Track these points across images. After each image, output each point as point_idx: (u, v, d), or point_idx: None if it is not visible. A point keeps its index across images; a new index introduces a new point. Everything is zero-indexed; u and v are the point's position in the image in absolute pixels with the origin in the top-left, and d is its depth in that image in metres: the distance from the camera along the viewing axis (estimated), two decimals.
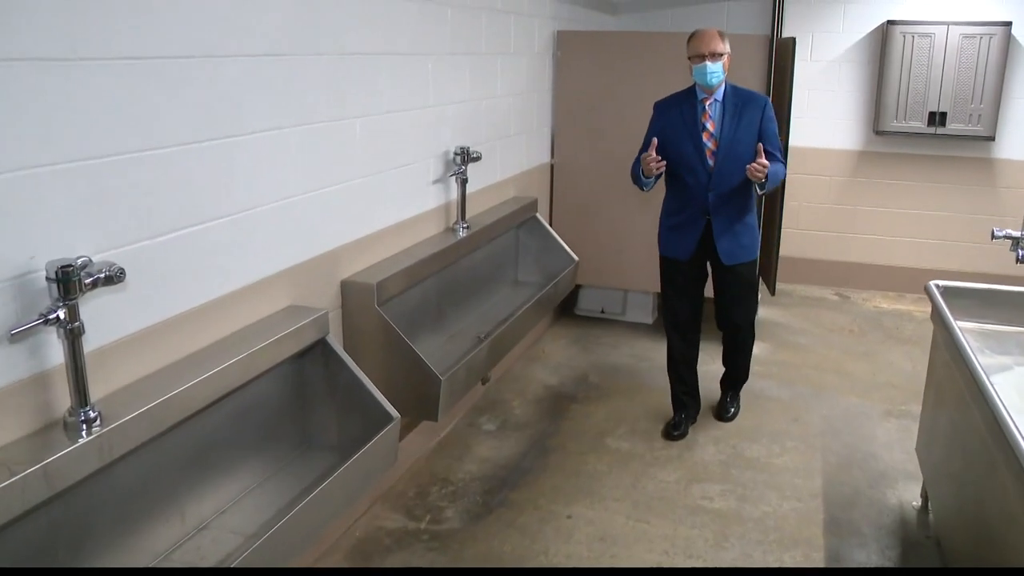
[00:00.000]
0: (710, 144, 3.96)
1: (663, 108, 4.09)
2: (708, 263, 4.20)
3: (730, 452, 4.19)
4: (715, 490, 3.86)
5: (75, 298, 1.93)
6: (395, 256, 3.54)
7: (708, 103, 3.95)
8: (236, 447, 2.75)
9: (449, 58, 3.91)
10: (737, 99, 3.95)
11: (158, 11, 2.21)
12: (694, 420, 4.45)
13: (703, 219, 4.03)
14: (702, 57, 3.84)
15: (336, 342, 2.95)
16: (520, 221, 4.73)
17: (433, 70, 3.76)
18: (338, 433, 3.01)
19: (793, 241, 6.95)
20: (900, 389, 5.01)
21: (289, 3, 2.75)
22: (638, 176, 4.00)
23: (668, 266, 4.21)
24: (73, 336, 1.95)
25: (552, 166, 5.65)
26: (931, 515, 3.64)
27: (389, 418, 2.89)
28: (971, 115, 6.30)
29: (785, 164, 4.08)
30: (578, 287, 6.01)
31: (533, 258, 4.90)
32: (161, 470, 2.43)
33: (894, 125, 6.50)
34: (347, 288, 3.22)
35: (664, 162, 3.86)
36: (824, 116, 6.83)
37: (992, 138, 6.35)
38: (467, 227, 4.01)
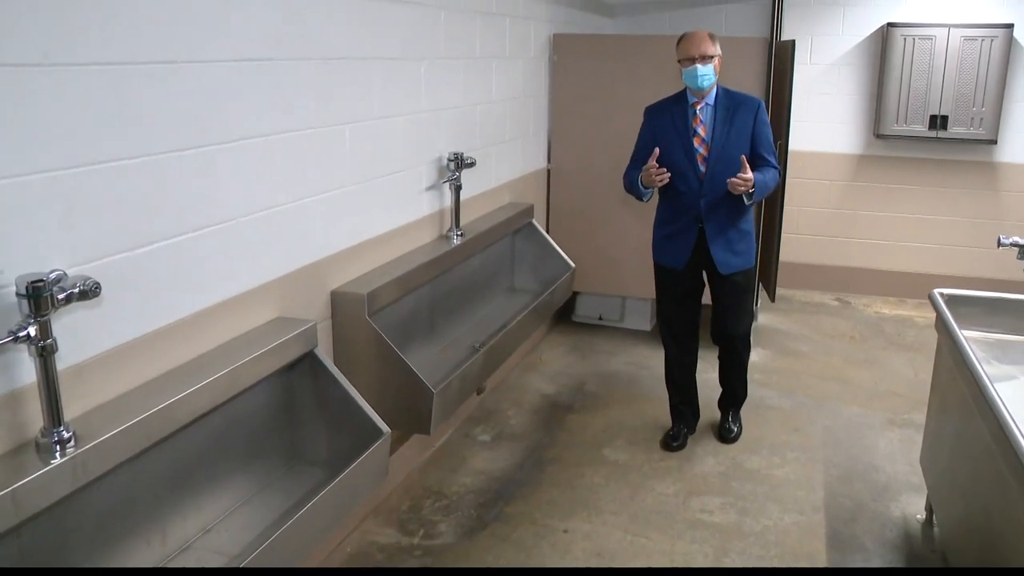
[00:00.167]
0: (701, 149, 3.85)
1: (654, 113, 4.00)
2: (704, 271, 4.07)
3: (730, 464, 4.11)
4: (715, 503, 3.78)
5: (47, 314, 1.85)
6: (387, 265, 3.46)
7: (699, 107, 3.84)
8: (221, 464, 2.68)
9: (442, 62, 3.83)
10: (729, 102, 3.85)
11: (136, 15, 2.13)
12: (693, 431, 4.36)
13: (696, 227, 3.92)
14: (692, 60, 3.73)
15: (325, 355, 2.87)
16: (516, 227, 4.65)
17: (426, 74, 3.68)
18: (327, 448, 2.93)
19: (793, 246, 6.87)
20: (902, 398, 4.93)
21: (275, 7, 2.67)
22: (634, 185, 3.90)
23: (663, 275, 4.11)
24: (45, 354, 1.87)
25: (548, 171, 5.57)
26: (936, 529, 3.56)
27: (379, 433, 2.81)
28: (973, 118, 6.23)
29: (780, 168, 3.97)
30: (575, 294, 5.93)
31: (529, 265, 4.82)
32: (141, 489, 2.35)
33: (895, 129, 6.43)
34: (337, 298, 3.14)
35: (668, 173, 3.74)
36: (824, 120, 6.75)
37: (994, 141, 6.28)
38: (461, 234, 3.93)
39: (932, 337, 5.78)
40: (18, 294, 1.82)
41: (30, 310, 1.82)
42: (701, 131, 3.84)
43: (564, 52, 5.39)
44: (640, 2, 6.82)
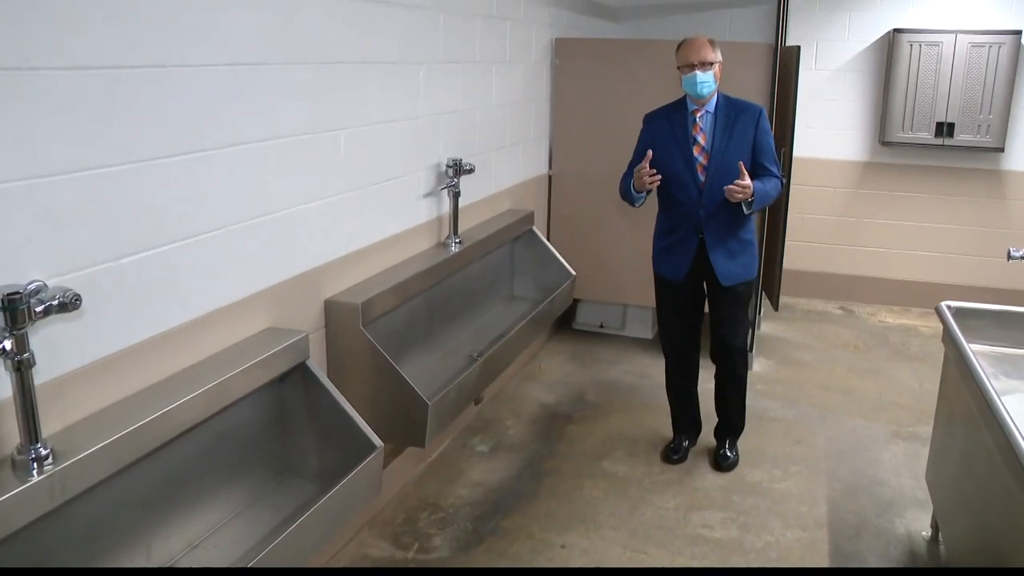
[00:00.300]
0: (701, 158, 3.75)
1: (653, 120, 3.90)
2: (704, 282, 3.95)
3: (731, 477, 4.04)
4: (716, 518, 3.70)
5: (24, 327, 1.78)
6: (383, 273, 3.40)
7: (699, 115, 3.75)
8: (209, 478, 2.61)
9: (441, 66, 3.76)
10: (730, 110, 3.74)
11: (122, 18, 2.06)
12: (694, 443, 4.29)
13: (696, 237, 3.81)
14: (691, 66, 3.63)
15: (317, 366, 2.80)
16: (516, 235, 4.58)
17: (424, 79, 3.61)
18: (319, 461, 2.86)
19: (796, 254, 6.79)
20: (907, 409, 4.86)
21: (267, 9, 2.60)
22: (628, 190, 3.82)
23: (663, 286, 4.01)
24: (21, 368, 1.80)
25: (550, 177, 5.50)
26: (942, 546, 3.49)
27: (372, 447, 2.74)
28: (980, 126, 6.16)
29: (781, 178, 3.86)
30: (576, 301, 5.86)
31: (529, 273, 4.75)
32: (125, 505, 2.28)
33: (900, 136, 6.36)
34: (331, 308, 3.08)
35: (659, 175, 3.66)
36: (829, 126, 6.68)
37: (1001, 149, 6.21)
38: (459, 242, 3.86)
39: (937, 347, 5.72)
40: None
41: (6, 323, 1.76)
42: (701, 139, 3.75)
43: (566, 56, 5.32)
44: (644, 6, 6.75)
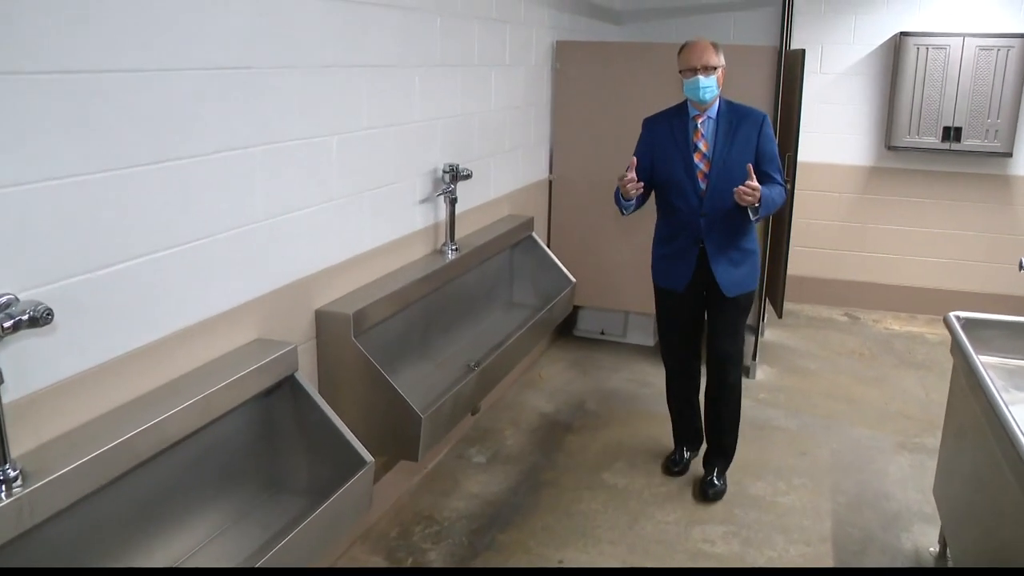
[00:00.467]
0: (702, 165, 3.62)
1: (653, 125, 3.78)
2: (705, 292, 3.80)
3: (733, 489, 3.95)
4: (717, 532, 3.62)
5: None
6: (376, 282, 3.31)
7: (700, 120, 3.62)
8: (194, 494, 2.53)
9: (438, 70, 3.68)
10: (732, 116, 3.62)
11: (100, 21, 1.98)
12: (696, 454, 4.19)
13: (696, 247, 3.68)
14: (693, 71, 3.51)
15: (306, 379, 2.72)
16: (515, 241, 4.49)
17: (420, 83, 3.53)
18: (308, 476, 2.78)
19: (801, 259, 6.71)
20: (913, 420, 4.77)
21: (255, 11, 2.53)
22: (618, 198, 3.70)
23: (663, 296, 3.90)
24: None
25: (550, 182, 5.42)
26: (950, 562, 3.40)
27: (362, 462, 2.66)
28: (987, 130, 6.06)
29: (786, 186, 3.74)
30: (577, 308, 5.78)
31: (529, 280, 4.67)
32: (105, 525, 2.20)
33: (907, 140, 6.27)
34: (322, 318, 2.99)
35: (642, 184, 3.56)
36: (834, 130, 6.59)
37: (1009, 154, 6.12)
38: (456, 249, 3.78)
39: (944, 355, 5.65)
40: None
41: None
42: (702, 146, 3.63)
43: (567, 60, 5.24)
44: (647, 9, 6.67)
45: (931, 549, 3.52)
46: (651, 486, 3.97)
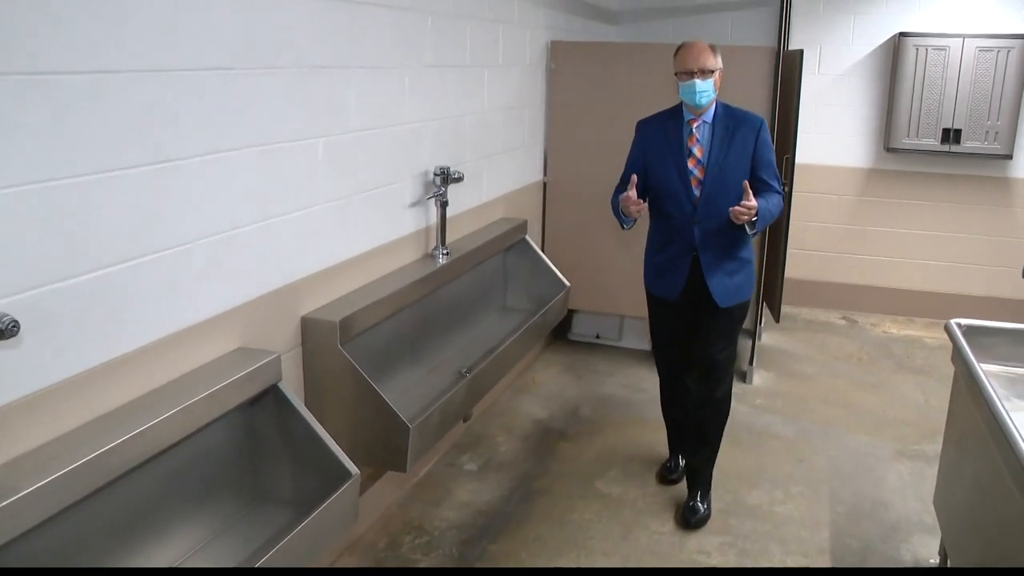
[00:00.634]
0: (696, 172, 3.48)
1: (646, 129, 3.65)
2: (698, 301, 3.62)
3: (729, 499, 3.88)
4: (712, 543, 3.55)
5: None
6: (365, 287, 3.24)
7: (696, 125, 3.47)
8: (175, 507, 2.46)
9: (429, 71, 3.61)
10: (729, 120, 3.47)
11: (72, 20, 1.91)
12: None
13: (690, 256, 3.54)
14: (690, 74, 3.36)
15: (290, 388, 2.65)
16: (508, 244, 4.42)
17: (410, 84, 3.45)
18: (293, 487, 2.72)
19: (798, 262, 6.64)
20: (912, 426, 4.70)
21: (240, 11, 2.45)
22: (618, 212, 3.58)
23: (656, 305, 3.78)
24: None
25: (544, 184, 5.34)
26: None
27: (348, 474, 2.59)
28: (987, 132, 6.00)
29: (783, 193, 3.60)
30: (572, 312, 5.70)
31: (522, 284, 4.59)
32: (79, 540, 2.13)
33: (906, 142, 6.20)
34: (307, 325, 2.92)
35: (644, 205, 3.45)
36: (832, 132, 6.52)
37: (1009, 156, 6.06)
38: (447, 253, 3.70)
39: (943, 359, 5.58)
40: None
41: None
42: (697, 151, 3.48)
43: (562, 60, 5.16)
44: (643, 9, 6.60)
45: (931, 560, 3.45)
46: (646, 495, 3.90)
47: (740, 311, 3.65)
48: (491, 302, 4.46)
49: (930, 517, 3.61)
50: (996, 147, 6.01)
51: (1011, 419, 2.48)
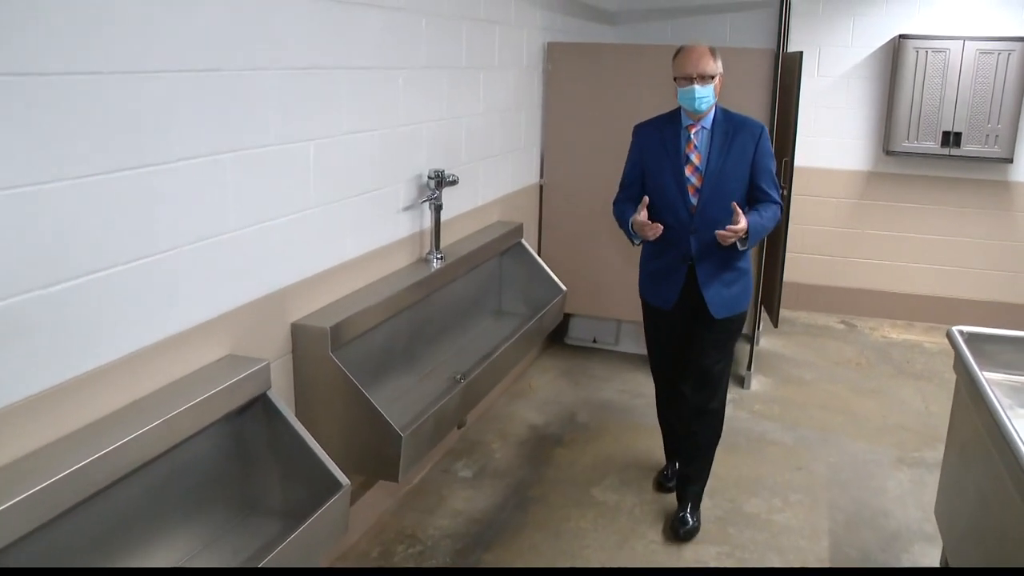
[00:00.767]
0: (694, 179, 3.37)
1: (644, 133, 3.55)
2: (693, 311, 3.53)
3: (727, 507, 3.82)
4: (710, 552, 3.49)
5: None
6: (356, 293, 3.18)
7: (694, 130, 3.37)
8: (163, 518, 2.41)
9: (423, 72, 3.55)
10: (728, 126, 3.37)
11: (51, 20, 1.85)
12: None
13: (685, 265, 3.44)
14: (689, 79, 3.26)
15: (280, 397, 2.60)
16: (504, 248, 4.36)
17: (404, 86, 3.40)
18: (282, 498, 2.66)
19: (797, 266, 6.59)
20: (912, 432, 4.65)
21: (228, 10, 2.39)
22: (625, 225, 3.47)
23: (650, 313, 3.69)
24: None
25: (541, 187, 5.29)
26: None
27: (338, 485, 2.54)
28: (987, 135, 5.95)
29: (781, 203, 3.47)
30: (569, 316, 5.65)
31: (518, 288, 4.53)
32: (65, 551, 2.07)
33: (906, 145, 6.15)
34: (298, 332, 2.86)
35: (661, 228, 3.31)
36: (831, 134, 6.48)
37: (1010, 160, 6.01)
38: (442, 257, 3.65)
39: (942, 364, 5.54)
40: None
41: None
42: (695, 158, 3.38)
43: (559, 61, 5.11)
44: (641, 10, 6.55)
45: None
46: (642, 503, 3.85)
47: (737, 322, 3.55)
48: (486, 307, 4.41)
49: (931, 526, 3.56)
50: (996, 150, 5.96)
51: (1014, 428, 2.44)
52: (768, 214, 3.35)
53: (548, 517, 3.71)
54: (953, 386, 3.19)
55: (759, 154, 3.36)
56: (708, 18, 6.41)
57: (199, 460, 2.50)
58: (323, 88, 2.88)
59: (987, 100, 5.91)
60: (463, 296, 4.08)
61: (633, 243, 3.53)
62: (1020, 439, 2.36)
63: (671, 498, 3.85)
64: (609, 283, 5.24)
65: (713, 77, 3.29)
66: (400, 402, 3.33)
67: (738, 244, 3.31)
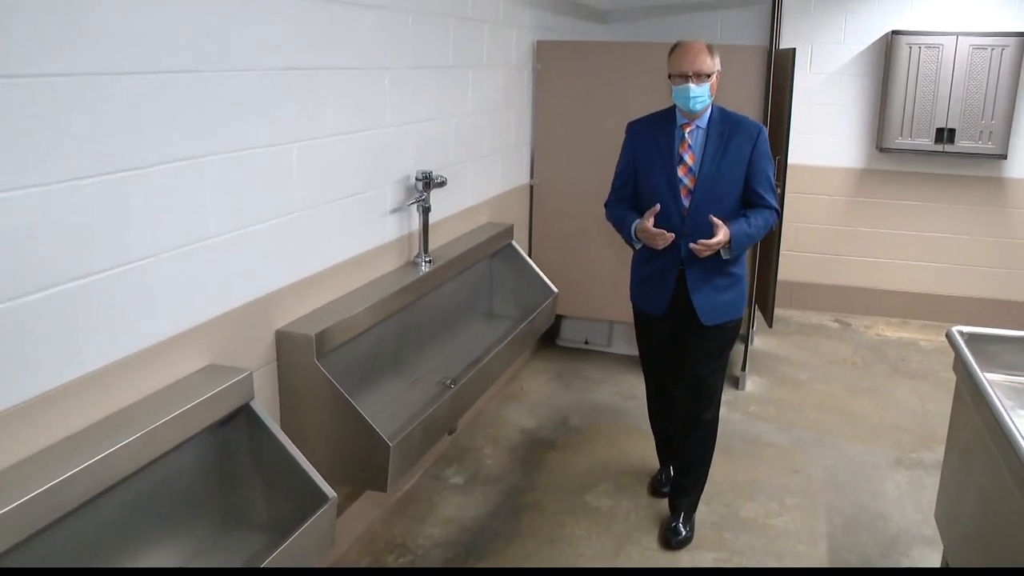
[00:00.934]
0: (687, 180, 3.26)
1: (637, 131, 3.42)
2: (686, 317, 3.42)
3: (724, 511, 3.76)
4: (707, 559, 3.43)
5: None
6: (343, 298, 3.10)
7: (688, 130, 3.26)
8: (144, 533, 2.33)
9: (410, 72, 3.48)
10: (724, 126, 3.25)
11: (22, 18, 1.77)
12: None
13: (676, 270, 3.33)
14: (684, 77, 3.14)
15: (263, 407, 2.52)
16: (494, 250, 4.29)
17: (390, 86, 3.32)
18: (267, 511, 2.58)
19: (791, 264, 6.53)
20: (909, 433, 4.59)
21: (206, 8, 2.31)
22: (625, 229, 3.38)
23: (642, 319, 3.59)
24: None
25: (531, 187, 5.22)
26: None
27: (324, 498, 2.46)
28: (981, 132, 5.90)
29: (777, 208, 3.35)
30: (560, 317, 5.58)
31: (509, 290, 4.46)
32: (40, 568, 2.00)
33: (899, 142, 6.10)
34: (282, 340, 2.78)
35: (672, 236, 3.22)
36: (824, 132, 6.42)
37: (1004, 156, 5.96)
38: (430, 260, 3.57)
39: (938, 363, 5.49)
40: None
41: None
42: (688, 159, 3.27)
43: (549, 60, 5.04)
44: (632, 7, 6.48)
45: None
46: (637, 508, 3.78)
47: (730, 331, 3.44)
48: (476, 310, 4.33)
49: (930, 529, 3.50)
50: (990, 147, 5.91)
51: (1018, 430, 2.38)
52: (758, 221, 3.25)
53: (541, 524, 3.64)
54: (949, 385, 3.13)
55: (756, 156, 3.25)
56: (700, 15, 6.35)
57: (180, 474, 2.42)
58: (306, 89, 2.81)
59: (981, 96, 5.86)
60: (452, 299, 4.01)
61: (634, 247, 3.45)
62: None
63: (667, 503, 3.78)
64: (601, 284, 5.17)
65: (710, 75, 3.18)
66: (388, 409, 3.26)
67: (722, 252, 3.22)
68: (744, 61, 4.74)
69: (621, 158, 3.50)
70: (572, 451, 4.32)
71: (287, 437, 2.50)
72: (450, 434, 4.17)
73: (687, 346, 3.45)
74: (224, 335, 2.54)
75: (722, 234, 3.13)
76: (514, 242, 4.45)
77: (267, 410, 2.61)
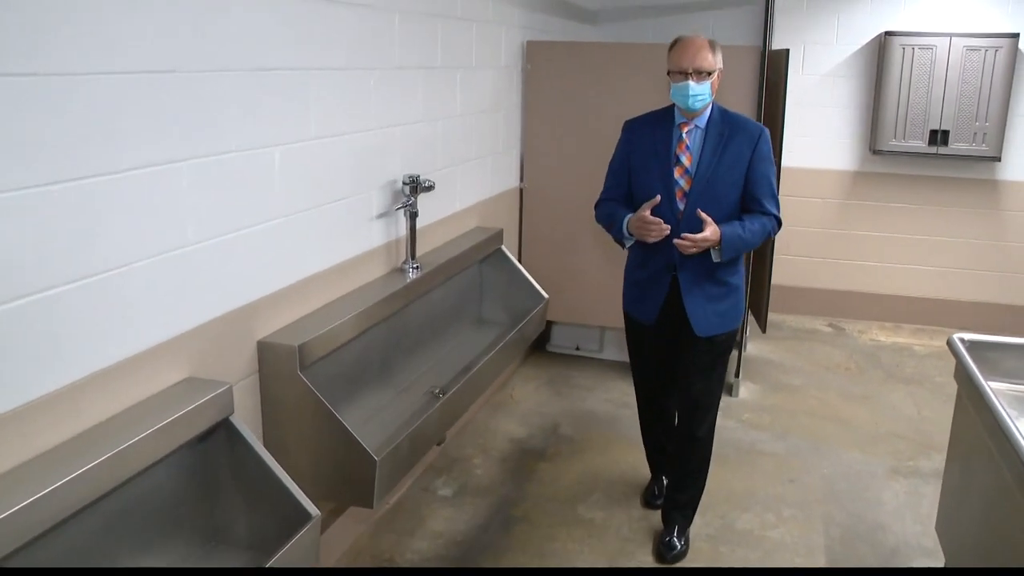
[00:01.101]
0: (682, 182, 3.14)
1: (634, 130, 3.32)
2: (678, 327, 3.30)
3: (719, 523, 3.67)
4: None
5: None
6: (328, 307, 3.01)
7: (686, 129, 3.15)
8: (121, 553, 2.23)
9: (397, 73, 3.38)
10: (724, 127, 3.13)
11: None
12: None
13: (668, 275, 3.21)
14: (684, 74, 3.03)
15: (243, 422, 2.42)
16: (483, 255, 4.19)
17: (376, 87, 3.23)
18: (248, 529, 2.48)
19: (783, 268, 6.45)
20: (905, 440, 4.52)
21: (183, 8, 2.21)
22: (615, 226, 3.27)
23: (633, 327, 3.49)
24: None
25: (521, 191, 5.13)
26: None
27: (307, 516, 2.36)
28: (975, 134, 5.84)
29: (778, 215, 3.26)
30: (551, 323, 5.49)
31: (499, 296, 4.36)
32: None
33: (892, 144, 6.04)
34: (264, 351, 2.68)
35: (668, 228, 3.09)
36: (817, 134, 6.35)
37: (998, 158, 5.90)
38: (418, 266, 3.48)
39: (933, 368, 5.42)
40: None
41: None
42: (685, 160, 3.15)
43: (538, 61, 4.95)
44: (623, 7, 6.40)
45: None
46: (631, 520, 3.69)
47: (724, 343, 3.32)
48: (465, 317, 4.24)
49: (930, 540, 3.43)
50: (984, 149, 5.86)
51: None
52: (754, 226, 3.13)
53: (533, 537, 3.55)
54: (944, 390, 3.07)
55: (756, 159, 3.13)
56: (692, 15, 6.28)
57: (159, 491, 2.32)
58: (289, 90, 2.71)
59: (974, 98, 5.80)
60: (441, 306, 3.91)
61: (624, 246, 3.33)
62: None
63: (660, 515, 3.69)
64: (592, 289, 5.09)
65: (711, 73, 3.08)
66: (375, 421, 3.17)
67: (713, 255, 3.12)
68: (737, 61, 4.65)
69: (615, 157, 3.40)
70: (563, 461, 4.23)
71: (268, 453, 2.40)
72: (439, 444, 4.07)
73: (680, 360, 3.35)
74: (203, 346, 2.44)
75: (710, 231, 3.02)
76: (504, 247, 4.36)
77: (249, 424, 2.52)
